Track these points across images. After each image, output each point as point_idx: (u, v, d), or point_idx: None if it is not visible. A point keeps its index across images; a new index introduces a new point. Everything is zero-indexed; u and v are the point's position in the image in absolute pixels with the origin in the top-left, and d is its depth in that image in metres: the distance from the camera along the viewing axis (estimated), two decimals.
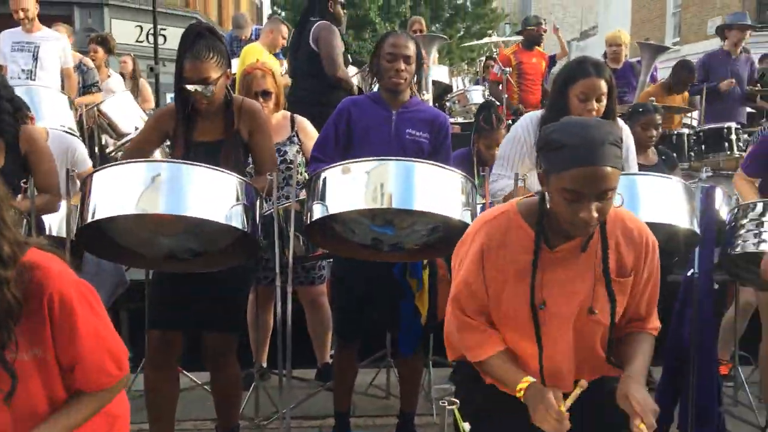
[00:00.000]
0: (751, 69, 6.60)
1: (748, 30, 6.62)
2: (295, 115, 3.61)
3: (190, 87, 2.59)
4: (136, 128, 4.74)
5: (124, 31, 16.96)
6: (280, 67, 5.71)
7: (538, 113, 3.03)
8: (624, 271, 1.83)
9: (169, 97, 15.73)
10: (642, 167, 3.53)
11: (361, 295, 2.93)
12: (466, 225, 2.47)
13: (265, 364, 3.72)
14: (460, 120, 6.40)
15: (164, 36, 16.82)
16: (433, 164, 2.60)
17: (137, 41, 17.20)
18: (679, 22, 19.04)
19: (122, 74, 7.18)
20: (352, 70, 7.35)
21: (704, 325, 2.95)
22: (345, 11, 4.84)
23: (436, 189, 2.52)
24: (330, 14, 4.77)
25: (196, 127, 2.72)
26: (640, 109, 4.02)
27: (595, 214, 1.65)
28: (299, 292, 3.51)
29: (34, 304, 1.49)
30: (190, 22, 19.21)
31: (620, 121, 3.08)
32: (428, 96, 5.62)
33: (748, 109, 6.71)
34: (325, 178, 2.58)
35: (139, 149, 2.86)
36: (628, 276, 1.83)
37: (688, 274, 2.91)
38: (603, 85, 2.74)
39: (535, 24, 6.60)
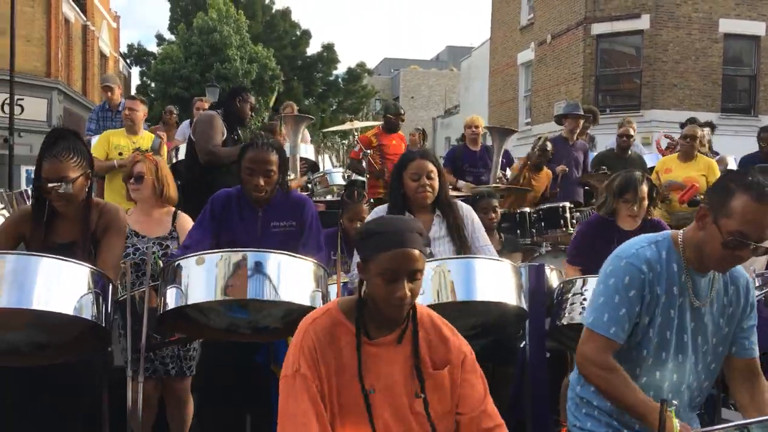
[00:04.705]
0: (585, 154, 7.34)
1: (581, 119, 7.41)
2: (179, 212, 3.57)
3: (49, 186, 2.56)
4: None
5: None
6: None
7: (385, 206, 3.30)
8: (437, 363, 1.97)
9: (24, 170, 14.90)
10: None
11: (228, 384, 2.96)
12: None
13: None
14: (322, 199, 6.64)
15: (21, 106, 16.01)
16: (284, 254, 2.70)
17: None
18: (530, 104, 20.84)
19: None
20: (310, 149, 7.44)
21: (538, 389, 3.26)
22: (252, 112, 5.04)
23: (288, 278, 2.63)
24: (233, 109, 4.96)
25: (54, 230, 2.68)
26: (477, 197, 4.47)
27: (408, 293, 1.87)
28: (166, 384, 3.37)
29: None
30: (51, 92, 18.51)
31: (461, 202, 3.39)
32: (294, 176, 5.81)
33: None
34: (179, 266, 2.64)
35: None
36: (441, 369, 1.96)
37: (522, 345, 3.21)
38: (430, 165, 3.13)
39: (393, 114, 6.94)
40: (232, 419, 3.20)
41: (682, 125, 8.09)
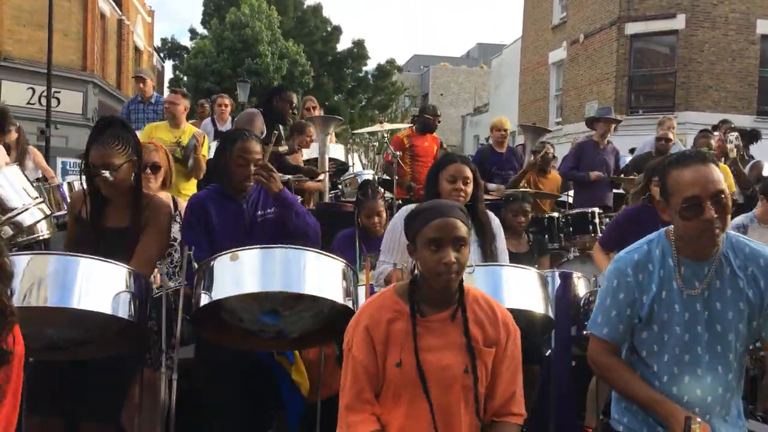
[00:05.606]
0: (616, 158, 7.27)
1: (613, 123, 7.32)
2: (176, 197, 3.67)
3: (98, 172, 2.67)
4: (24, 204, 4.65)
5: (14, 93, 16.37)
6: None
7: (413, 206, 3.32)
8: (488, 341, 2.08)
9: (60, 161, 15.24)
10: (512, 254, 3.87)
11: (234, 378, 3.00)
12: (347, 308, 2.68)
13: None
14: (351, 200, 6.68)
15: (58, 99, 16.35)
16: (316, 251, 2.78)
17: (29, 104, 16.60)
18: (561, 103, 20.67)
19: (7, 145, 6.65)
20: (339, 149, 7.53)
21: (562, 395, 3.27)
22: (294, 111, 5.14)
23: (322, 274, 2.70)
24: (272, 108, 5.08)
25: (105, 214, 2.80)
26: (511, 198, 4.47)
27: (454, 260, 1.99)
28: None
29: None
30: (87, 85, 18.83)
31: (491, 214, 3.40)
32: (323, 177, 5.85)
33: (616, 190, 7.28)
34: (213, 266, 2.71)
35: (70, 245, 2.85)
36: (490, 347, 2.08)
37: (547, 353, 3.22)
38: (468, 171, 3.15)
39: (432, 114, 6.87)
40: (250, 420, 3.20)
41: (714, 127, 7.96)
